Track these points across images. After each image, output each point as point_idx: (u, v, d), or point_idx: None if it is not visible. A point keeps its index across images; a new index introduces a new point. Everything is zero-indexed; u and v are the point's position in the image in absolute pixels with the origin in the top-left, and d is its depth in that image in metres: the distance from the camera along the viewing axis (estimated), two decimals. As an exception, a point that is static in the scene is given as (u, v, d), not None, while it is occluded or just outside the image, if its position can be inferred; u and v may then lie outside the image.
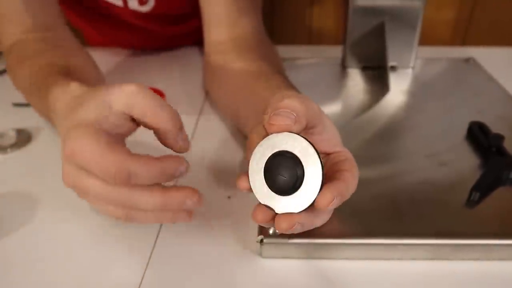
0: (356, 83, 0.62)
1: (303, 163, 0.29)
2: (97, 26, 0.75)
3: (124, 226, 0.40)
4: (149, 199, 0.29)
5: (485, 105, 0.56)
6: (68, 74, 0.41)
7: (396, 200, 0.41)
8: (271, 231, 0.37)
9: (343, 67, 0.66)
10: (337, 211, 0.38)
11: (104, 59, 0.73)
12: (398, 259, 0.37)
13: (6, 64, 0.52)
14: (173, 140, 0.32)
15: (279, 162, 0.29)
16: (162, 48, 0.76)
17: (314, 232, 0.37)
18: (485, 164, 0.45)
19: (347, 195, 0.30)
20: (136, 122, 0.32)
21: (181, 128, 0.32)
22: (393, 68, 0.65)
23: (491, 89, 0.60)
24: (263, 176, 0.30)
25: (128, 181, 0.28)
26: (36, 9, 0.51)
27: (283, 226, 0.29)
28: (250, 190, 0.30)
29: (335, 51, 0.68)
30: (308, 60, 0.69)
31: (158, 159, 0.29)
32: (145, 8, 0.67)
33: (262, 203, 0.30)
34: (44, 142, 0.52)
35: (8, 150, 0.51)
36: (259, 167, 0.30)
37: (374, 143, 0.49)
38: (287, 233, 0.30)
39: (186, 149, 0.33)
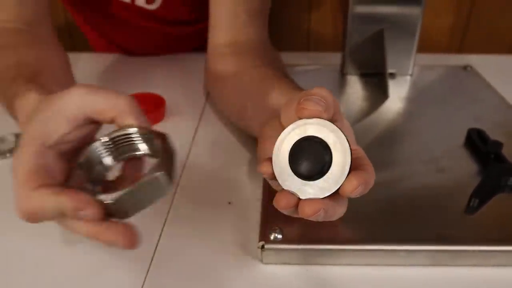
0: (355, 90, 0.63)
1: (332, 149, 0.29)
2: (100, 27, 0.76)
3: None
4: (80, 230, 0.30)
5: (483, 112, 0.56)
6: (34, 77, 0.40)
7: (395, 206, 0.41)
8: (272, 237, 0.37)
9: (342, 74, 0.67)
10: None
11: (105, 64, 0.74)
12: (398, 265, 0.37)
13: None
14: (138, 122, 0.32)
15: (306, 147, 0.29)
16: (164, 50, 0.77)
17: (314, 238, 0.37)
18: (484, 170, 0.45)
19: (370, 186, 0.30)
20: (95, 122, 0.32)
21: (141, 111, 0.33)
22: (392, 75, 0.65)
23: (488, 96, 0.60)
24: (288, 161, 0.30)
25: (35, 218, 0.30)
26: (27, 1, 0.50)
27: (307, 211, 0.29)
28: (273, 175, 0.30)
29: (334, 58, 0.68)
30: (307, 66, 0.69)
31: (64, 193, 0.29)
32: (152, 7, 0.67)
33: (286, 188, 0.30)
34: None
35: (8, 154, 0.51)
36: (284, 152, 0.30)
37: (372, 150, 0.49)
38: (310, 219, 0.30)
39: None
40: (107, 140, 0.32)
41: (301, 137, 0.29)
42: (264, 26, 0.56)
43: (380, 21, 0.62)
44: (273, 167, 0.30)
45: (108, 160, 0.33)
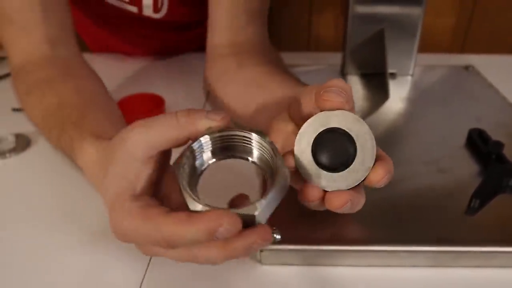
0: (356, 90, 0.62)
1: (356, 140, 0.29)
2: (99, 34, 0.75)
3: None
4: (209, 255, 0.28)
5: (485, 113, 0.56)
6: (82, 120, 0.40)
7: (395, 207, 0.40)
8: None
9: (343, 74, 0.67)
10: (337, 217, 0.38)
11: (104, 65, 0.73)
12: (398, 266, 0.37)
13: (14, 86, 0.50)
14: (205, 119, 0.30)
15: (330, 138, 0.29)
16: (164, 54, 0.76)
17: (313, 239, 0.37)
18: (485, 171, 0.44)
19: (392, 176, 0.30)
20: (166, 150, 0.31)
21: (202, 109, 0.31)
22: (393, 75, 0.65)
23: (490, 96, 0.60)
24: (311, 153, 0.29)
25: (173, 245, 0.27)
26: (52, 20, 0.49)
27: (336, 203, 0.29)
28: (295, 169, 0.30)
29: (335, 58, 0.68)
30: (307, 67, 0.69)
31: (196, 217, 0.26)
32: (158, 15, 0.67)
33: (310, 181, 0.29)
34: (43, 147, 0.52)
35: (7, 155, 0.51)
36: (307, 144, 0.29)
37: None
38: (337, 211, 0.29)
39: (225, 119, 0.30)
40: (209, 139, 0.29)
41: (324, 128, 0.29)
42: (263, 25, 0.56)
43: (381, 21, 0.61)
44: (295, 160, 0.29)
45: (206, 157, 0.30)
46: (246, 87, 0.49)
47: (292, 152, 0.30)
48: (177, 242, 0.27)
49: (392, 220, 0.39)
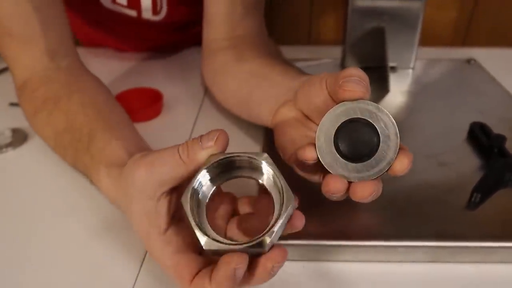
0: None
1: (378, 130, 0.28)
2: (94, 34, 0.75)
3: (119, 227, 0.40)
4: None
5: (486, 106, 0.55)
6: (92, 140, 0.41)
7: (395, 201, 0.40)
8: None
9: (343, 67, 0.66)
10: (335, 212, 0.38)
11: (100, 60, 0.73)
12: (397, 261, 0.36)
13: (20, 104, 0.49)
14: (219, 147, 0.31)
15: (353, 129, 0.29)
16: (163, 51, 0.76)
17: (313, 234, 0.36)
18: (486, 165, 0.44)
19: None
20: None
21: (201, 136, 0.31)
22: (393, 68, 0.65)
23: (492, 90, 0.59)
24: (333, 144, 0.29)
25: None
26: (52, 32, 0.48)
27: (361, 194, 0.28)
28: (318, 160, 0.29)
29: (335, 52, 0.67)
30: (308, 61, 0.68)
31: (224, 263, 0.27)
32: (157, 18, 0.66)
33: (334, 172, 0.29)
34: (40, 142, 0.51)
35: (4, 149, 0.51)
36: (329, 135, 0.29)
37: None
38: (362, 201, 0.29)
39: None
40: (206, 172, 0.30)
41: (346, 119, 0.29)
42: (261, 18, 0.55)
43: (381, 14, 0.61)
44: (318, 151, 0.29)
45: (206, 188, 0.31)
46: (246, 79, 0.48)
47: (313, 144, 0.29)
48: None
49: (392, 215, 0.39)
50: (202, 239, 0.27)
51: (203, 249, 0.27)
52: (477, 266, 0.36)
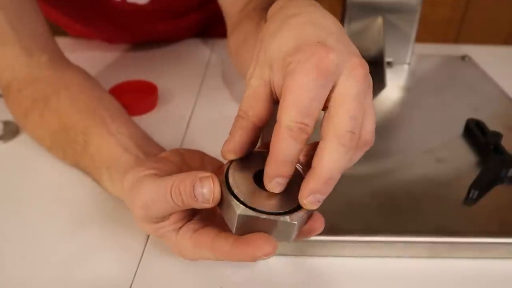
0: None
1: None
2: (80, 25, 0.73)
3: (117, 224, 0.39)
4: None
5: (481, 103, 0.56)
6: (88, 141, 0.40)
7: (392, 197, 0.40)
8: None
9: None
10: (333, 208, 0.38)
11: (91, 52, 0.71)
12: (395, 257, 0.37)
13: (8, 106, 0.48)
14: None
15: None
16: (157, 41, 0.75)
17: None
18: (483, 161, 0.44)
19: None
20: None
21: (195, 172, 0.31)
22: (389, 63, 0.65)
23: (487, 86, 0.60)
24: None
25: None
26: (24, 29, 0.46)
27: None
28: None
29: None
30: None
31: (238, 249, 0.28)
32: (142, 1, 0.64)
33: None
34: (32, 135, 0.51)
35: (-4, 142, 0.50)
36: None
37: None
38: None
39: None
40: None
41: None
42: None
43: (378, 9, 0.60)
44: None
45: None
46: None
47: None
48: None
49: (389, 211, 0.39)
50: (238, 208, 0.27)
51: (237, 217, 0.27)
52: (474, 261, 0.36)
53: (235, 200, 0.27)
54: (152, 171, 0.32)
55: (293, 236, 0.28)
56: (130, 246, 0.37)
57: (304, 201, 0.27)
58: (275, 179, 0.27)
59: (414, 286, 0.35)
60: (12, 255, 0.37)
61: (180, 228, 0.32)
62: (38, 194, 0.43)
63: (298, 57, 0.26)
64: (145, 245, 0.37)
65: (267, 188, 0.27)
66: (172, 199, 0.29)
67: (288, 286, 0.34)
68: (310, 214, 0.29)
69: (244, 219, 0.27)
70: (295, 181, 0.28)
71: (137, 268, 0.36)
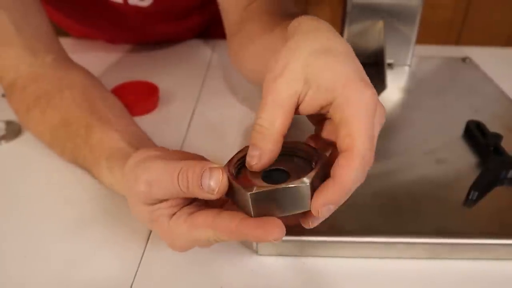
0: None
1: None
2: (83, 27, 0.73)
3: (118, 224, 0.39)
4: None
5: (482, 104, 0.56)
6: (90, 135, 0.40)
7: (393, 198, 0.40)
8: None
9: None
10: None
11: (92, 52, 0.72)
12: (395, 257, 0.37)
13: (11, 104, 0.49)
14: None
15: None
16: (158, 42, 0.75)
17: (310, 229, 0.36)
18: (483, 163, 0.44)
19: None
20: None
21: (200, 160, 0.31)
22: (390, 65, 0.65)
23: (487, 88, 0.60)
24: None
25: None
26: (28, 29, 0.47)
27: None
28: None
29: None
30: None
31: (244, 229, 0.28)
32: (145, 3, 0.65)
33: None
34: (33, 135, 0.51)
35: (-3, 142, 0.50)
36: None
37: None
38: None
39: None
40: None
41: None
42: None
43: (379, 11, 0.61)
44: None
45: None
46: (259, 56, 0.46)
47: None
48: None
49: (390, 211, 0.39)
50: (250, 189, 0.27)
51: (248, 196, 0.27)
52: (474, 262, 0.36)
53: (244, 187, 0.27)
54: (158, 153, 0.32)
55: (309, 201, 0.27)
56: (131, 246, 0.37)
57: (318, 208, 0.27)
58: (329, 206, 0.27)
59: (414, 287, 0.35)
60: (14, 255, 0.37)
61: (174, 214, 0.31)
62: (40, 194, 0.43)
63: (348, 93, 0.28)
64: (146, 245, 0.38)
65: (314, 212, 0.27)
66: (178, 183, 0.29)
67: (288, 286, 0.34)
68: (321, 176, 0.28)
69: (257, 197, 0.27)
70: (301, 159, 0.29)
71: (138, 268, 0.36)
